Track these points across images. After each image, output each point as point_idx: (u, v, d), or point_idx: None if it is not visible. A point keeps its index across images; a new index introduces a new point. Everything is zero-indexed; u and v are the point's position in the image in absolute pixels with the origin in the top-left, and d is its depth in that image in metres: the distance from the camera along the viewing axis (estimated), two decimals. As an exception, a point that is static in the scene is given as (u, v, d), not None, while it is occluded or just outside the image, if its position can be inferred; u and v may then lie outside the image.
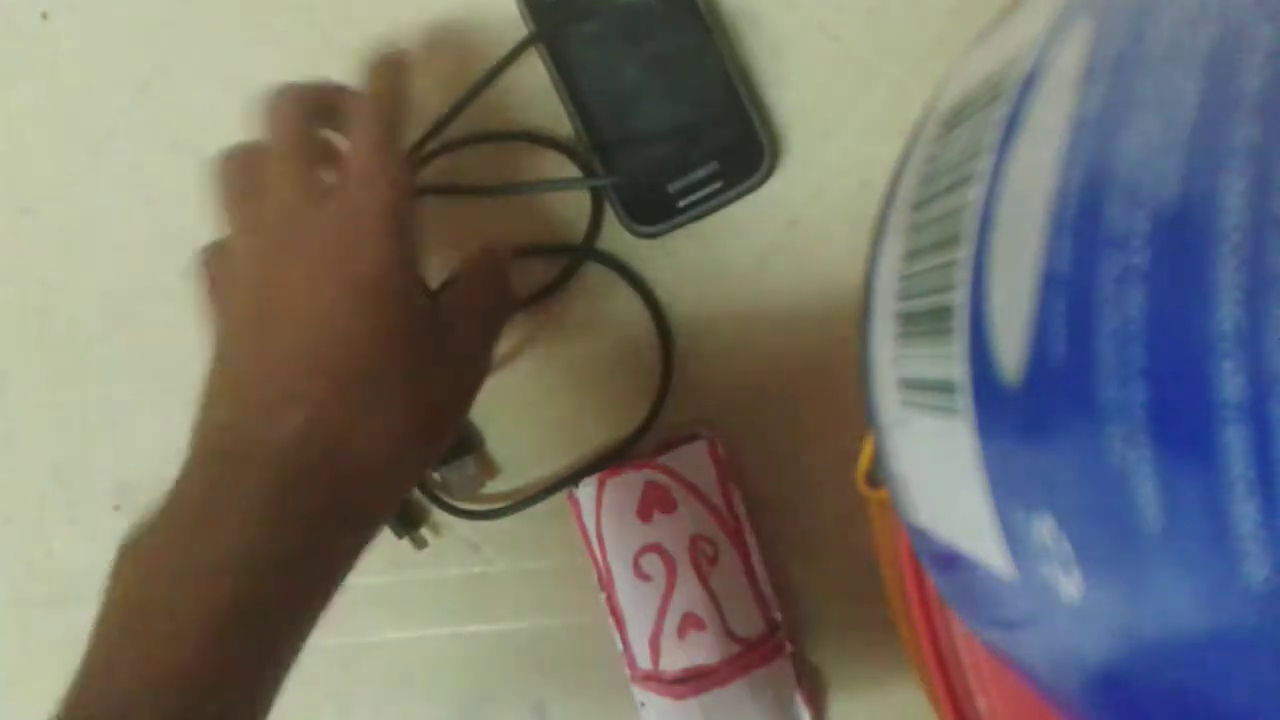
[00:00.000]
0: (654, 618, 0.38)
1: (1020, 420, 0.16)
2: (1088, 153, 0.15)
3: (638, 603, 0.39)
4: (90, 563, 0.45)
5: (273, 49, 0.43)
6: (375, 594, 0.42)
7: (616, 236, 0.41)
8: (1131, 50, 0.15)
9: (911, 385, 0.20)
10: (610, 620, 0.39)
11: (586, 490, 0.39)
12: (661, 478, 0.39)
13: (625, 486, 0.39)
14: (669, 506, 0.38)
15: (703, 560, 0.38)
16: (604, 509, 0.39)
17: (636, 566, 0.39)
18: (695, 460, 0.39)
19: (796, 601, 0.40)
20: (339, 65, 0.42)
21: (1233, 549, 0.12)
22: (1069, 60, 0.16)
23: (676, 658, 0.38)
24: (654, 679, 0.38)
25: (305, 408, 0.29)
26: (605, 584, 0.39)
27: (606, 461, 0.41)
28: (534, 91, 0.41)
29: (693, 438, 0.39)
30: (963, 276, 0.18)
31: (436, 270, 0.41)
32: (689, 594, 0.38)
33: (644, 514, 0.38)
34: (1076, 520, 0.15)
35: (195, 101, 0.43)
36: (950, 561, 0.20)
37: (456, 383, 0.34)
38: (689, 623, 0.38)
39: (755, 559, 0.39)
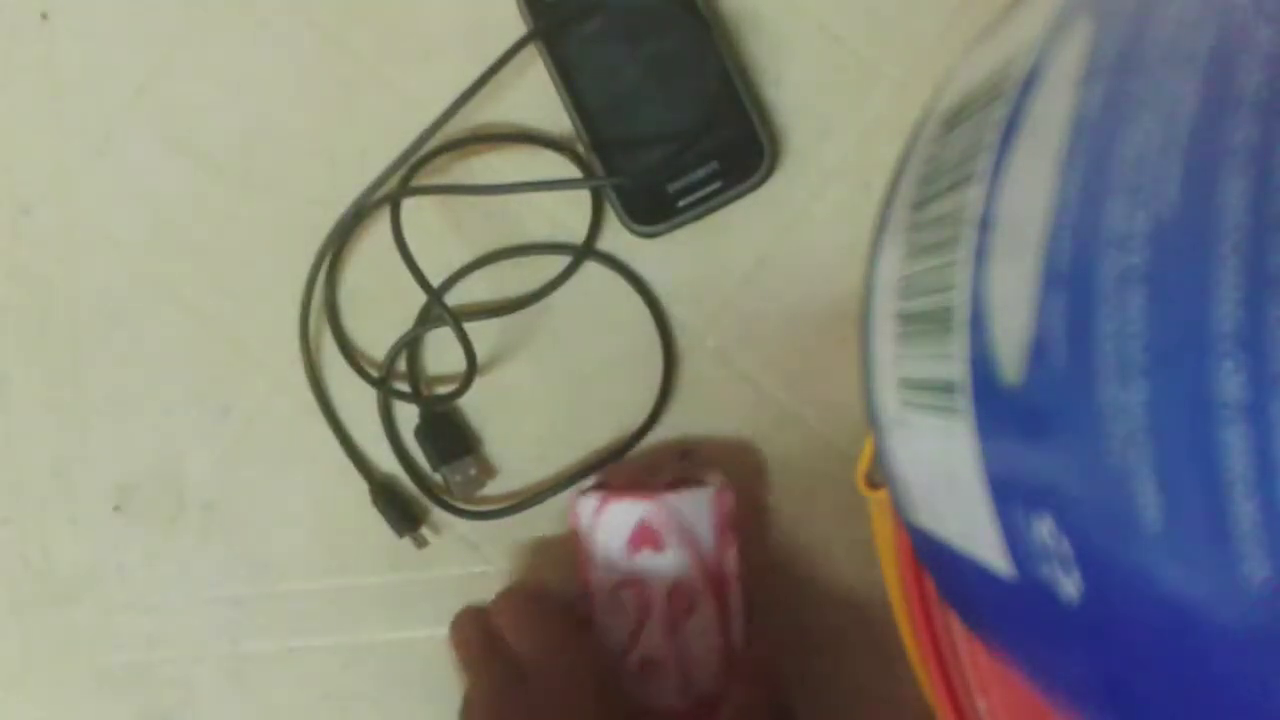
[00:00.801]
0: (618, 650, 0.38)
1: (1020, 420, 0.16)
2: (1088, 153, 0.15)
3: (608, 630, 0.38)
4: (90, 563, 0.45)
5: (273, 49, 0.43)
6: (375, 594, 0.43)
7: (616, 236, 0.41)
8: (1131, 50, 0.15)
9: (911, 385, 0.20)
10: None
11: (588, 503, 0.39)
12: (658, 515, 0.37)
13: (624, 513, 0.38)
14: (658, 546, 0.38)
15: (678, 610, 0.37)
16: (599, 527, 0.38)
17: (614, 596, 0.38)
18: (698, 506, 0.38)
19: (795, 602, 0.40)
20: (339, 65, 0.42)
21: (1233, 549, 0.12)
22: (1069, 60, 0.16)
23: (633, 694, 0.38)
24: None
25: None
26: (587, 597, 0.39)
27: (606, 462, 0.41)
28: (534, 91, 0.41)
29: (701, 483, 0.38)
30: (963, 276, 0.17)
31: (438, 265, 0.41)
32: (655, 639, 0.37)
33: (633, 546, 0.38)
34: (1076, 520, 0.15)
35: (195, 101, 0.43)
36: (950, 561, 0.20)
37: None
38: (650, 666, 0.37)
39: (736, 618, 0.37)
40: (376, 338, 0.42)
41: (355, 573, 0.43)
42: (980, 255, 0.17)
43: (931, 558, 0.22)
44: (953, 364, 0.18)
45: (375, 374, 0.42)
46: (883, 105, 0.39)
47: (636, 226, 0.40)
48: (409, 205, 0.41)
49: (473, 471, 0.41)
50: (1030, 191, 0.16)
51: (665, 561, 0.37)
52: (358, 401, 0.43)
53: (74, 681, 0.45)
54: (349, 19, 0.42)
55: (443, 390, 0.42)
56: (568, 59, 0.40)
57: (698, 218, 0.40)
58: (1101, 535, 0.14)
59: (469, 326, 0.40)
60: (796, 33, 0.39)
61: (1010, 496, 0.17)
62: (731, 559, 0.38)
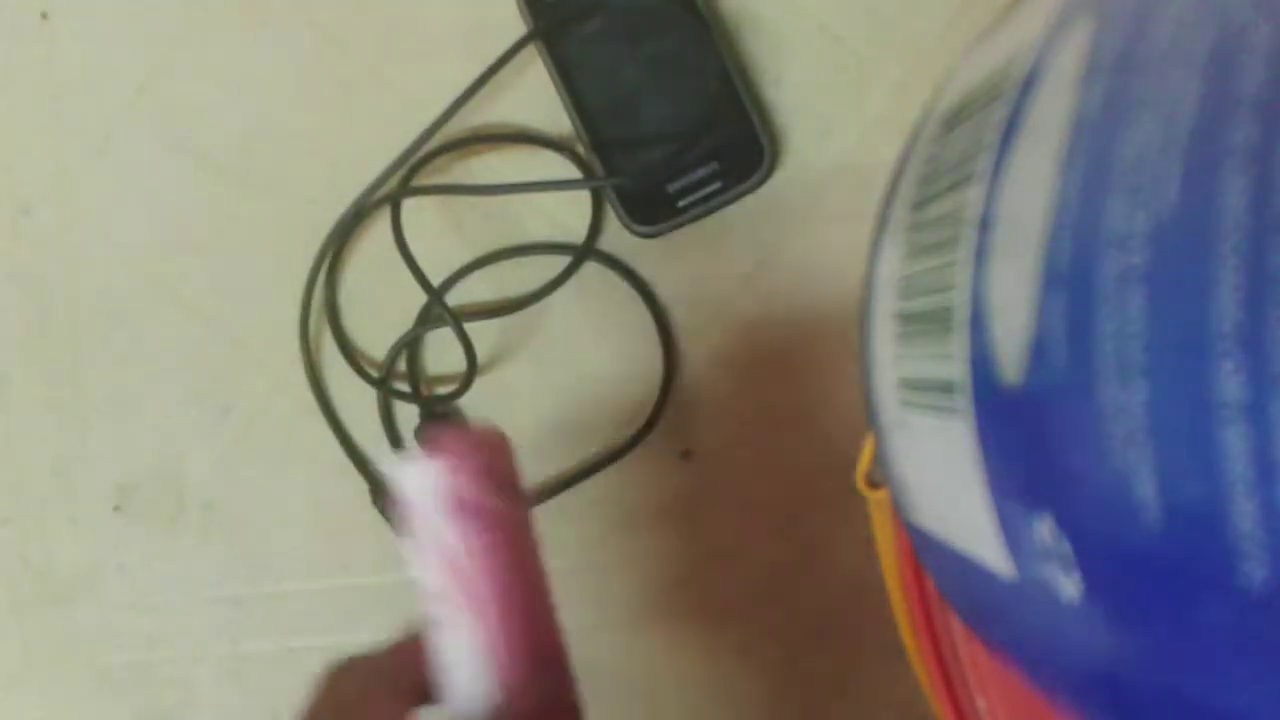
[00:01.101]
0: None
1: (1020, 420, 0.16)
2: (1088, 153, 0.15)
3: None
4: (90, 563, 0.45)
5: (273, 49, 0.43)
6: (375, 594, 0.43)
7: (616, 236, 0.41)
8: (1132, 50, 0.15)
9: (911, 385, 0.20)
10: None
11: None
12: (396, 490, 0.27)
13: None
14: (400, 527, 0.28)
15: (425, 618, 0.28)
16: None
17: None
18: (417, 483, 0.27)
19: (795, 602, 0.40)
20: (339, 64, 0.42)
21: (1233, 549, 0.12)
22: (1069, 60, 0.16)
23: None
24: None
25: None
26: None
27: (606, 462, 0.41)
28: (534, 91, 0.41)
29: (433, 441, 0.27)
30: (963, 276, 0.17)
31: (438, 265, 0.41)
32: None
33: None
34: (1076, 520, 0.15)
35: (195, 101, 0.43)
36: (950, 561, 0.20)
37: None
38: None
39: (498, 648, 0.26)
40: (376, 338, 0.42)
41: (355, 573, 0.43)
42: (980, 255, 0.17)
43: (931, 558, 0.22)
44: (953, 364, 0.18)
45: (375, 374, 0.42)
46: (883, 105, 0.39)
47: (636, 226, 0.40)
48: (409, 205, 0.41)
49: (473, 471, 0.41)
50: (1030, 191, 0.16)
51: (407, 549, 0.27)
52: (358, 401, 0.43)
53: (74, 681, 0.45)
54: (349, 19, 0.42)
55: (443, 390, 0.42)
56: (568, 59, 0.40)
57: (698, 218, 0.40)
58: (1102, 535, 0.14)
59: (469, 326, 0.40)
60: (796, 33, 0.39)
61: (1010, 496, 0.17)
62: (479, 561, 0.26)
